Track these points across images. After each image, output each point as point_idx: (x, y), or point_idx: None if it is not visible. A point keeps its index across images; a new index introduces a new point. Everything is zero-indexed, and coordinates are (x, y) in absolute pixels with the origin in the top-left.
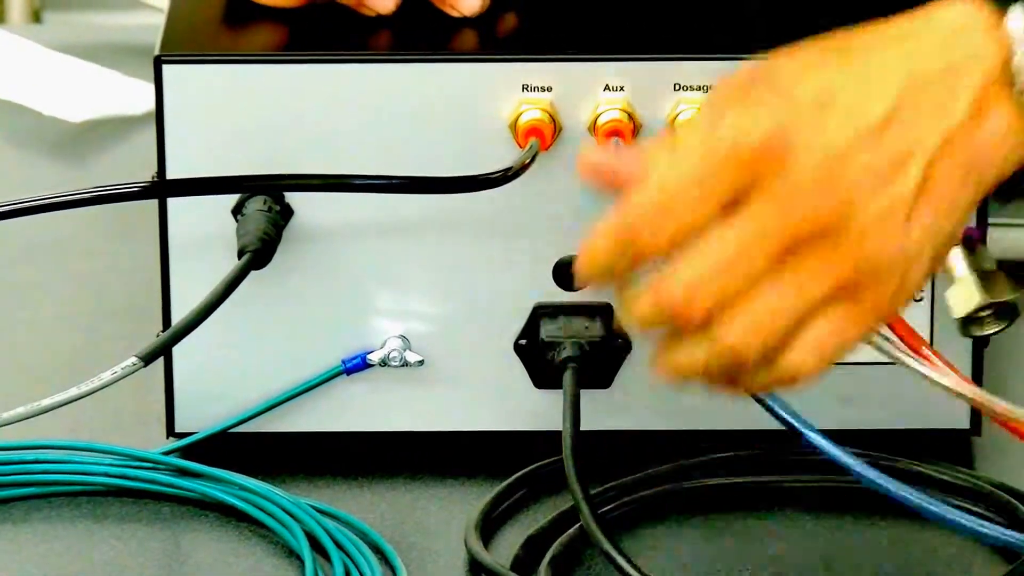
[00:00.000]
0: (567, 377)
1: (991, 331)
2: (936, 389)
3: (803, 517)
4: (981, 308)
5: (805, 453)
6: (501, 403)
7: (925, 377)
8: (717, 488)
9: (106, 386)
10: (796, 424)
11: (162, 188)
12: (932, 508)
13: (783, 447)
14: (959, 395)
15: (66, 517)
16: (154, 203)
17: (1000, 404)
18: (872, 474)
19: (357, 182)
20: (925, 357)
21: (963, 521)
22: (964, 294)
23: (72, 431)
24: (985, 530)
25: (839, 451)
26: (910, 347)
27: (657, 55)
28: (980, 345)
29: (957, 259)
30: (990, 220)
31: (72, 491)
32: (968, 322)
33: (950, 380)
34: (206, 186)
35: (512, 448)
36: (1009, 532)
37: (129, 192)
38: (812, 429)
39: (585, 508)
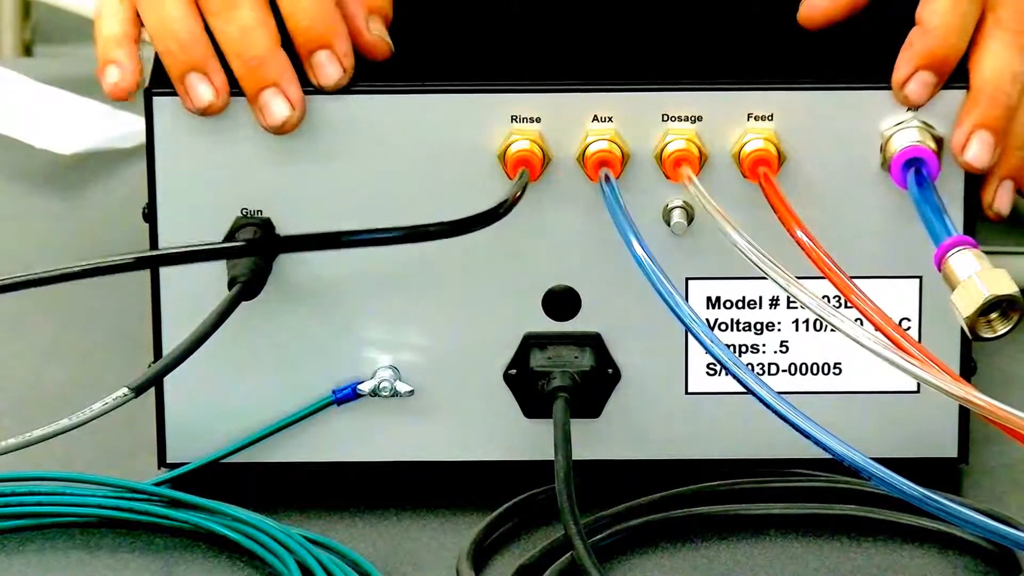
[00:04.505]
0: (557, 407)
1: (1001, 331)
2: (929, 389)
3: (792, 545)
4: (987, 307)
5: (793, 481)
6: (491, 433)
7: (919, 378)
8: (707, 517)
9: (97, 417)
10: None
11: (154, 260)
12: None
13: (773, 475)
14: (950, 394)
15: (59, 548)
16: (145, 231)
17: (992, 403)
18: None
19: (353, 238)
20: (919, 359)
21: (974, 516)
22: (968, 294)
23: (64, 462)
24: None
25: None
26: (902, 349)
27: (645, 85)
28: (967, 366)
29: (958, 265)
30: (990, 249)
31: (64, 522)
32: (976, 324)
33: (943, 380)
34: (198, 255)
35: (502, 478)
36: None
37: (121, 264)
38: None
39: (579, 543)
